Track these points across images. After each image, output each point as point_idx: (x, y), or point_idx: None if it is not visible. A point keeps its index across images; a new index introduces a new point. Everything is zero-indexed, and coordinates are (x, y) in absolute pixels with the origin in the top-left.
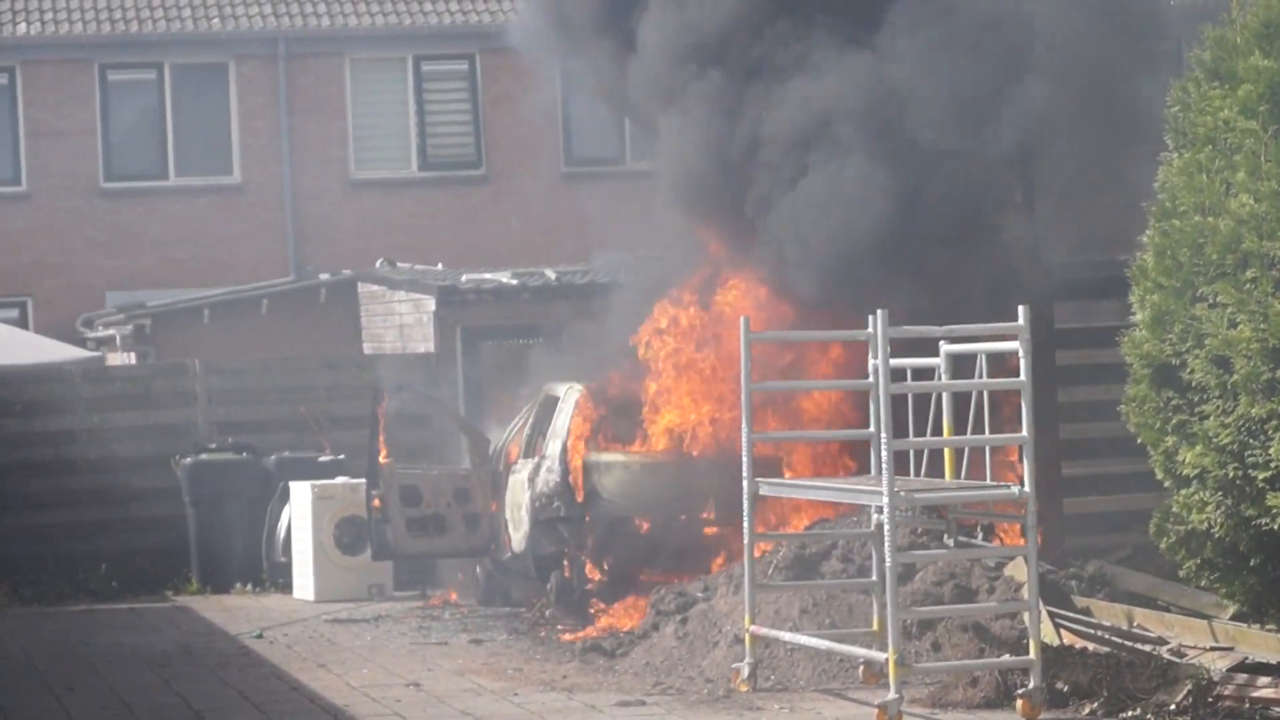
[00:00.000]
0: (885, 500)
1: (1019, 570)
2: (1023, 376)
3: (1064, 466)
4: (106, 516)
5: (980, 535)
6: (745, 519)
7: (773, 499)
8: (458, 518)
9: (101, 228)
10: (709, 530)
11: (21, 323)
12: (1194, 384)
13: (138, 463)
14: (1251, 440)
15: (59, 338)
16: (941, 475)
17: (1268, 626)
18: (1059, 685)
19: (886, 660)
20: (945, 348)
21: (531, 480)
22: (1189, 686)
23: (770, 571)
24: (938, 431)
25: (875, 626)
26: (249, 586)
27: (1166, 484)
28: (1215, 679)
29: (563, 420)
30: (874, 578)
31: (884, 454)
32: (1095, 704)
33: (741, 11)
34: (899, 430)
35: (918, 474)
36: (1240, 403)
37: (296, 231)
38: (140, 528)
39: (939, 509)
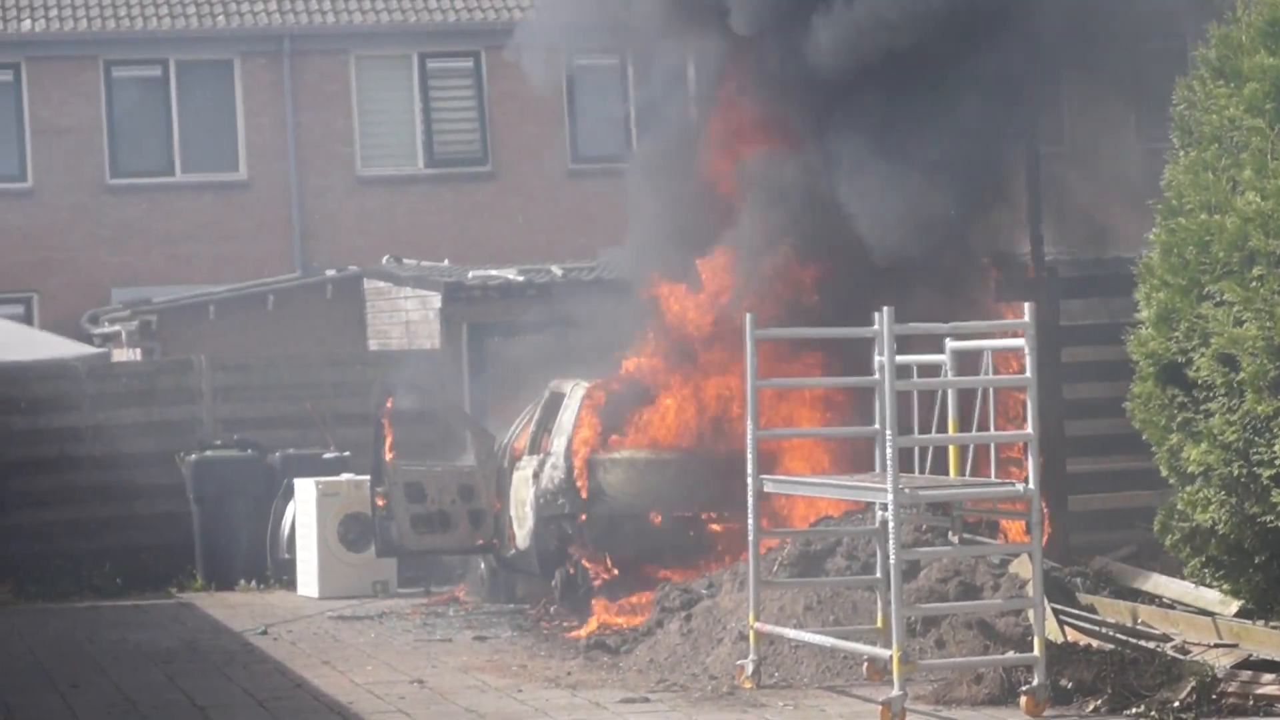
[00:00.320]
0: (890, 497)
1: (1023, 567)
2: (1028, 373)
3: (1069, 463)
4: (111, 513)
5: (985, 532)
6: (750, 516)
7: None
8: (462, 514)
9: (107, 224)
10: (714, 527)
11: (27, 319)
12: (1200, 381)
13: (142, 459)
14: (1257, 438)
15: (64, 334)
16: (946, 472)
17: (1272, 623)
18: (1063, 682)
19: (891, 657)
20: (950, 345)
21: (536, 477)
22: (1193, 684)
23: (775, 568)
24: (942, 429)
25: (879, 623)
26: (253, 583)
27: (1171, 481)
28: (1219, 676)
29: (568, 417)
30: (878, 575)
31: (889, 451)
32: (1099, 701)
33: None
34: (903, 427)
35: (922, 471)
36: (1246, 400)
37: (302, 228)
38: (145, 524)
39: (943, 506)
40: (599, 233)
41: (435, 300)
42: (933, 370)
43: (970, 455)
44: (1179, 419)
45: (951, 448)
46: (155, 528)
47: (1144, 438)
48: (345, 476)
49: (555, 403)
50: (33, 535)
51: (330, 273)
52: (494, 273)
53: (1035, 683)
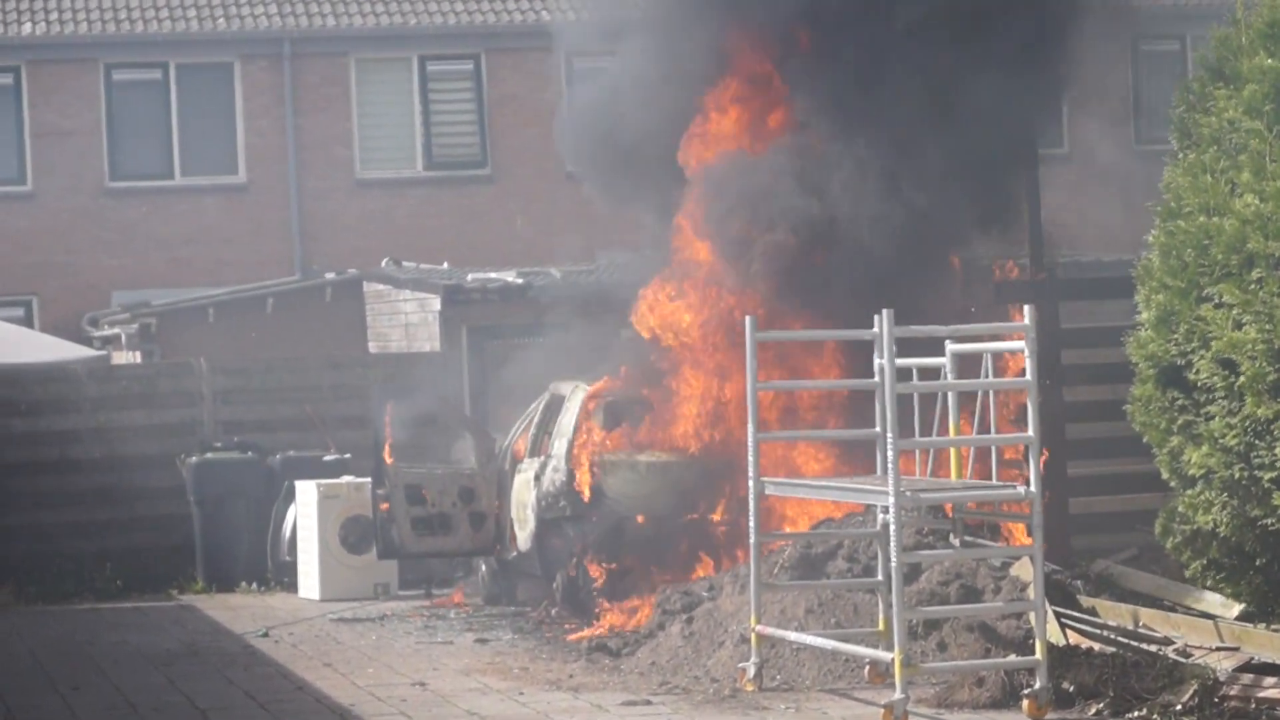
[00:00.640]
0: (891, 500)
1: (1025, 570)
2: (1028, 376)
3: (1070, 466)
4: (111, 515)
5: (986, 535)
6: (750, 518)
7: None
8: (463, 517)
9: (107, 227)
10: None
11: (27, 322)
12: (1199, 384)
13: (143, 462)
14: (1257, 441)
15: (64, 337)
16: (947, 475)
17: (1274, 626)
18: (1065, 685)
19: (892, 660)
20: (951, 347)
21: (537, 479)
22: (1195, 687)
23: (776, 571)
24: (943, 431)
25: (881, 626)
26: (254, 585)
27: (1172, 484)
28: (1221, 679)
29: (568, 419)
30: (880, 577)
31: (890, 454)
32: (1101, 704)
33: None
34: (904, 430)
35: (923, 474)
36: (1246, 403)
37: (302, 231)
38: (145, 527)
39: (944, 509)
40: (598, 235)
41: (435, 303)
42: (933, 373)
43: (971, 458)
44: (1179, 422)
45: (953, 450)
46: (156, 530)
47: (1144, 440)
48: (346, 479)
49: (556, 405)
50: (33, 537)
51: (330, 275)
52: (493, 275)
53: (1037, 686)
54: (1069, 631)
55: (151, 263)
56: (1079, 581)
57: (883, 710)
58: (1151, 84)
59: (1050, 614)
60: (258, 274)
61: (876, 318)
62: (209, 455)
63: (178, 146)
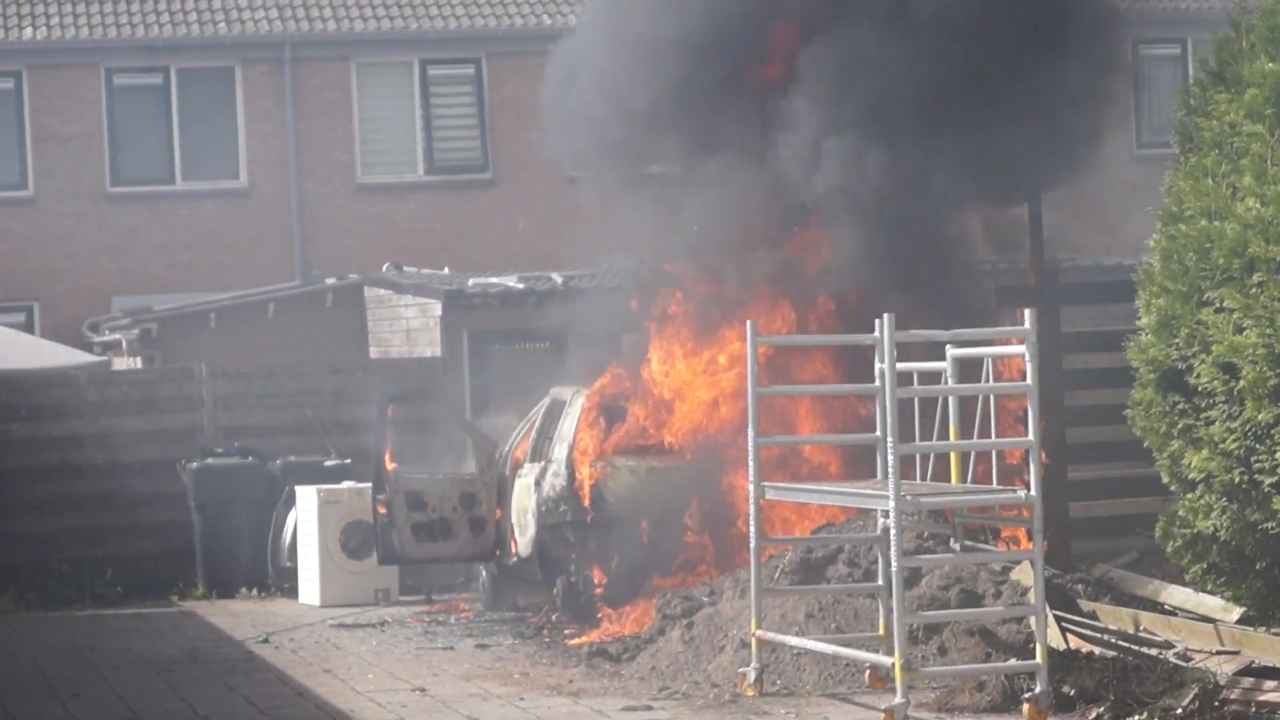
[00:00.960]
0: (891, 504)
1: (1025, 574)
2: (1029, 380)
3: (1070, 470)
4: (112, 521)
5: (986, 539)
6: (751, 523)
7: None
8: (463, 522)
9: (108, 232)
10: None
11: (28, 327)
12: (1200, 389)
13: (143, 467)
14: (1258, 445)
15: (65, 342)
16: (947, 479)
17: (1274, 630)
18: (1065, 689)
19: (893, 664)
20: (951, 352)
21: (538, 484)
22: (1195, 690)
23: (776, 576)
24: (943, 436)
25: (881, 631)
26: (255, 591)
27: (1173, 488)
28: (1221, 683)
29: (569, 424)
30: (880, 582)
31: (890, 458)
32: (1101, 708)
33: None
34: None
35: (923, 478)
36: (1246, 408)
37: (303, 236)
38: (146, 532)
39: (945, 513)
40: (600, 240)
41: (436, 308)
42: (934, 377)
43: (971, 462)
44: (1180, 426)
45: (953, 455)
46: (157, 536)
47: (1145, 445)
48: (346, 484)
49: (556, 410)
50: (34, 543)
51: (331, 280)
52: (494, 280)
53: (1037, 690)
54: (1069, 635)
55: (152, 268)
56: (1079, 585)
57: (883, 715)
58: (1152, 88)
59: (1051, 618)
60: (259, 279)
61: (877, 321)
62: (210, 461)
63: (179, 151)
